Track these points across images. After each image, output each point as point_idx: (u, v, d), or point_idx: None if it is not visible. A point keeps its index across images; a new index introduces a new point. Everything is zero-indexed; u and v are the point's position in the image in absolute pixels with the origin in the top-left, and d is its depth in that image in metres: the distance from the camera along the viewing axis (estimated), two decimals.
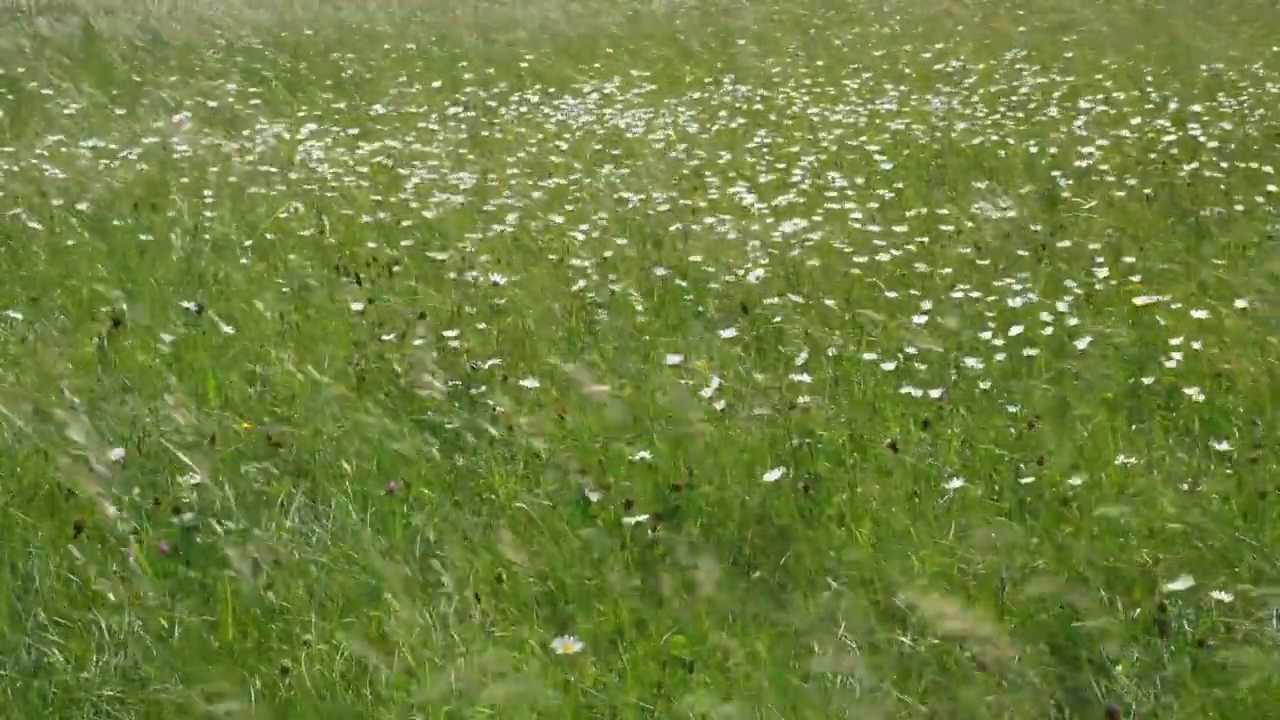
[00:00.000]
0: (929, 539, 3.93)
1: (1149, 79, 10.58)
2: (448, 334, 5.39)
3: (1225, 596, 3.54)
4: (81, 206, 7.44)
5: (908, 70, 11.45)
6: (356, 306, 5.74)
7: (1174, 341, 5.00)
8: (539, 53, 12.90)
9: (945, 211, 7.00)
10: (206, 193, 7.67)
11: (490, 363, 5.18)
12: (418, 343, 5.29)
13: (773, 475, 4.10)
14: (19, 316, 5.87)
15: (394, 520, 4.16)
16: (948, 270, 6.08)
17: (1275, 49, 11.69)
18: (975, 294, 5.71)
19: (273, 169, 8.24)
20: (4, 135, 9.61)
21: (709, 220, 6.82)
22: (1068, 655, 3.47)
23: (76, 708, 3.46)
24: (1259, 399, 4.69)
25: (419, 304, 5.86)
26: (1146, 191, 7.32)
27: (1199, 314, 5.23)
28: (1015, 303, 5.55)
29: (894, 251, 6.26)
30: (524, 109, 10.35)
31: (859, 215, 6.85)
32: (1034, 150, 8.40)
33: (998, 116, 9.42)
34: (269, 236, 6.98)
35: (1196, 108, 9.18)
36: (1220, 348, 5.01)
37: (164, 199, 7.62)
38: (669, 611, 3.70)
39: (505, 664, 3.45)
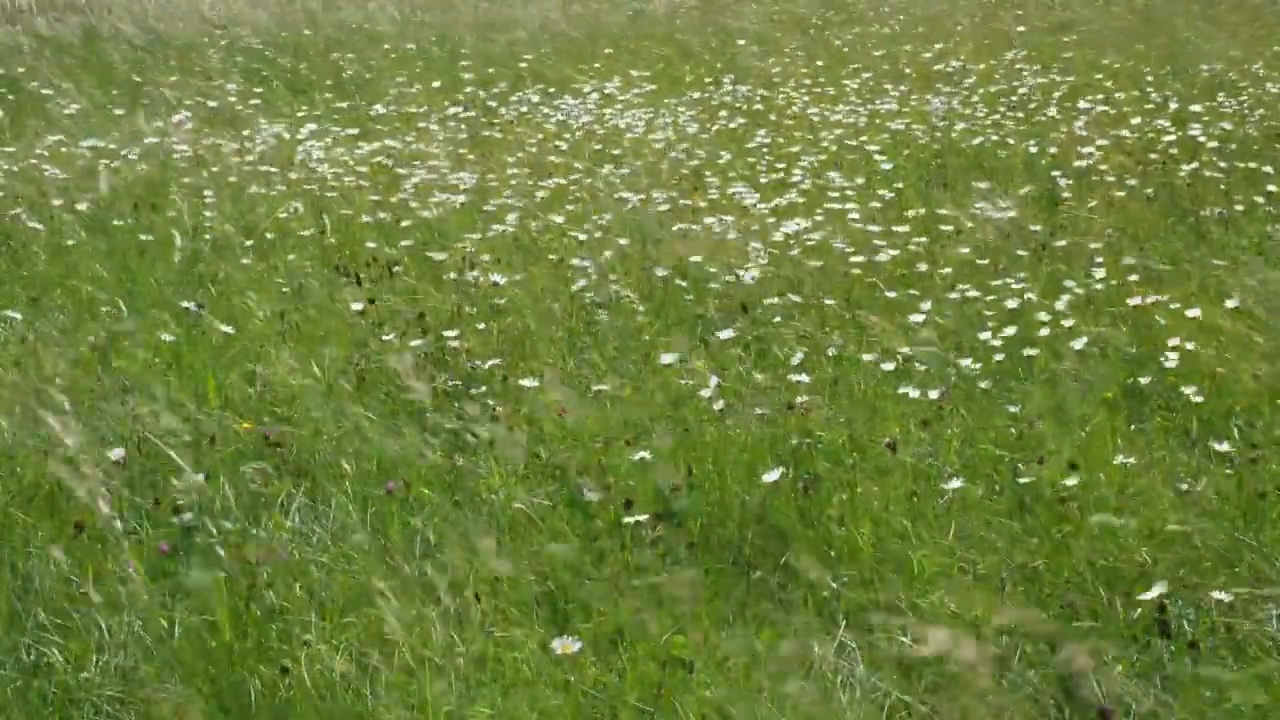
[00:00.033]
0: (929, 539, 3.93)
1: (1149, 79, 10.58)
2: (448, 334, 5.39)
3: (1225, 596, 3.54)
4: (81, 206, 7.44)
5: (908, 70, 11.45)
6: (356, 306, 5.74)
7: (1172, 342, 5.00)
8: (539, 53, 12.90)
9: (945, 211, 7.00)
10: (207, 193, 7.67)
11: (490, 363, 5.18)
12: (414, 343, 5.30)
13: (772, 476, 4.10)
14: (18, 316, 5.87)
15: (393, 520, 4.16)
16: (948, 270, 6.08)
17: (1275, 49, 11.68)
18: (974, 294, 5.71)
19: (273, 169, 8.24)
20: (4, 135, 9.61)
21: (709, 220, 6.82)
22: (1068, 655, 3.47)
23: (76, 708, 3.46)
24: (1258, 399, 4.70)
25: (419, 304, 5.86)
26: (1147, 191, 7.32)
27: (1196, 314, 5.23)
28: (1014, 303, 5.56)
29: (892, 251, 6.26)
30: (524, 109, 10.35)
31: (859, 215, 6.85)
32: (1034, 150, 8.40)
33: (998, 116, 9.42)
34: (269, 236, 6.99)
35: (1196, 108, 9.18)
36: (1215, 348, 5.01)
37: (164, 199, 7.63)
38: (669, 611, 3.71)
39: (504, 664, 3.46)
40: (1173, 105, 9.37)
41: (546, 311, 5.79)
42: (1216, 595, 3.54)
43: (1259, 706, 3.19)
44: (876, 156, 8.30)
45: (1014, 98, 10.12)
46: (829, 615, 3.70)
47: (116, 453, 4.34)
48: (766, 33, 14.06)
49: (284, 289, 6.20)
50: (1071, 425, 4.59)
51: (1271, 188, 7.27)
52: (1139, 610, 3.55)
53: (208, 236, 7.03)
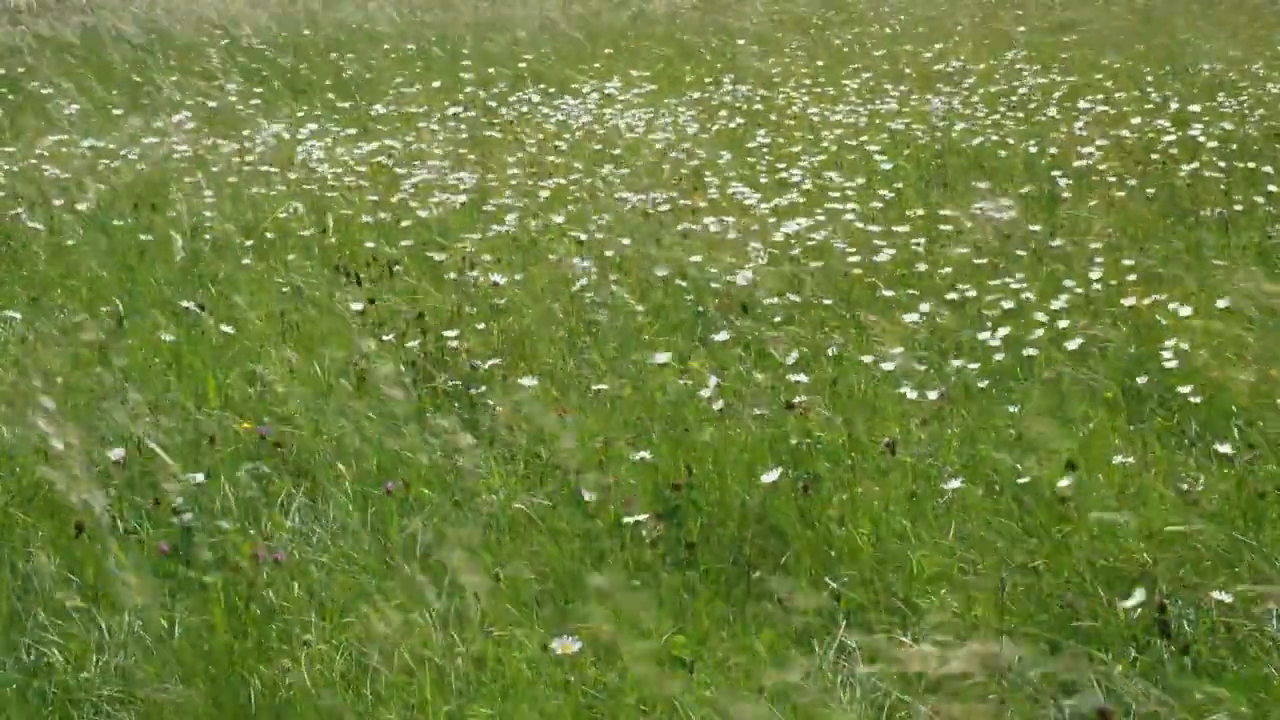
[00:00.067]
0: (928, 539, 3.93)
1: (1149, 79, 10.58)
2: (448, 334, 5.39)
3: (1225, 597, 3.54)
4: (81, 206, 7.45)
5: (908, 70, 11.45)
6: (356, 306, 5.75)
7: (1171, 343, 5.00)
8: (539, 53, 12.90)
9: (945, 212, 7.00)
10: (207, 193, 7.67)
11: (490, 362, 5.18)
12: (411, 344, 5.30)
13: (770, 476, 4.10)
14: (17, 315, 5.87)
15: (393, 520, 4.16)
16: (948, 270, 6.08)
17: (1275, 49, 11.68)
18: (974, 294, 5.70)
19: (273, 169, 8.24)
20: (4, 135, 9.61)
21: (709, 220, 6.82)
22: (1067, 655, 3.47)
23: (76, 708, 3.46)
24: (1256, 400, 4.69)
25: (419, 304, 5.86)
26: (1149, 191, 7.32)
27: (1194, 316, 5.22)
28: (1013, 304, 5.56)
29: (892, 251, 6.25)
30: (524, 109, 10.35)
31: (859, 215, 6.85)
32: (1034, 150, 8.40)
33: (998, 116, 9.42)
34: (269, 236, 6.99)
35: (1196, 108, 9.18)
36: (1211, 349, 5.01)
37: (164, 199, 7.63)
38: (669, 611, 3.71)
39: (504, 664, 3.45)
40: (1173, 105, 9.37)
41: (546, 311, 5.79)
42: (1216, 595, 3.54)
43: (1259, 706, 3.19)
44: (876, 156, 8.30)
45: (1014, 98, 10.12)
46: (829, 615, 3.70)
47: (116, 453, 4.34)
48: (767, 33, 14.06)
49: (284, 289, 6.20)
50: (1071, 425, 4.59)
51: (1271, 188, 7.27)
52: (1139, 610, 3.55)
53: (208, 236, 7.03)
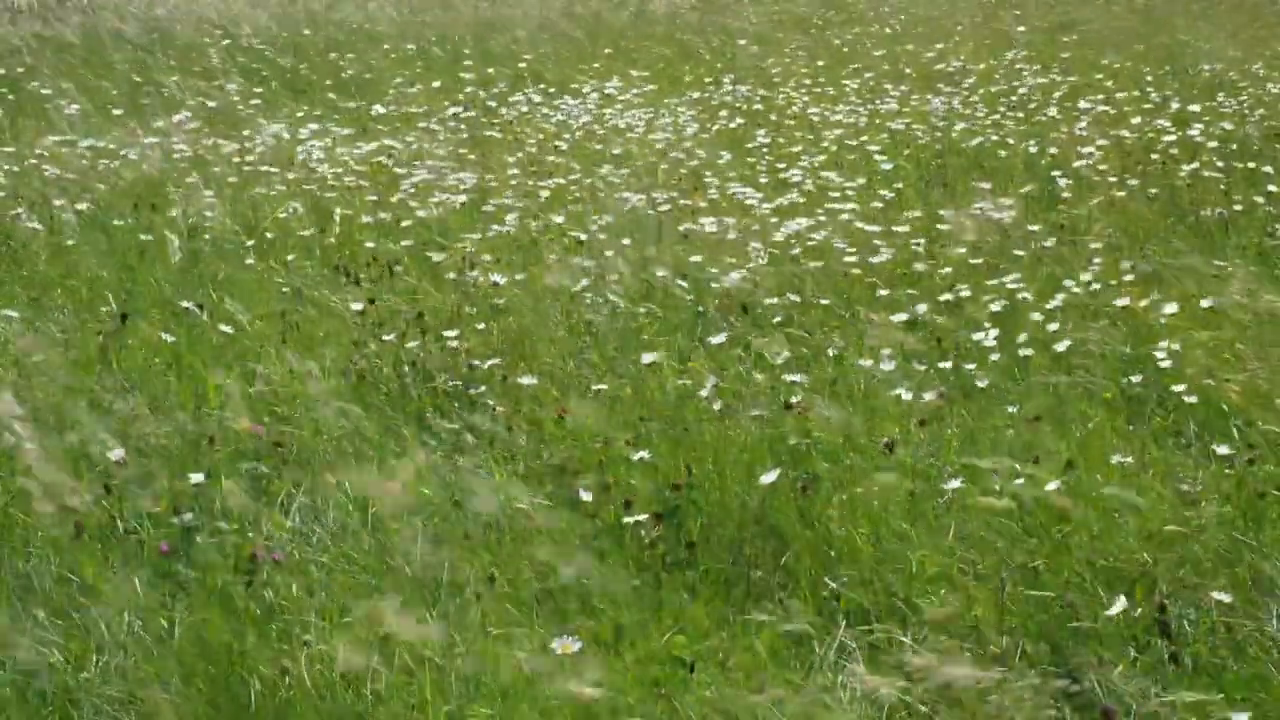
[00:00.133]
0: (928, 539, 3.93)
1: (1149, 79, 10.58)
2: (448, 334, 5.39)
3: (1225, 597, 3.54)
4: (81, 206, 7.45)
5: (908, 70, 11.45)
6: (356, 306, 5.75)
7: (1173, 345, 4.99)
8: (539, 53, 12.90)
9: (945, 211, 7.00)
10: (207, 193, 7.67)
11: (490, 362, 5.18)
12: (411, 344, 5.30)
13: (769, 477, 4.09)
14: (15, 314, 5.87)
15: (393, 520, 4.16)
16: (947, 269, 6.08)
17: (1275, 49, 11.68)
18: (973, 294, 5.70)
19: (273, 169, 8.24)
20: (4, 135, 9.61)
21: (709, 220, 6.82)
22: (1068, 655, 3.47)
23: (76, 708, 3.46)
24: (1255, 400, 4.69)
25: (419, 304, 5.86)
26: (1152, 191, 7.32)
27: (1191, 317, 5.22)
28: (1012, 304, 5.56)
29: (891, 252, 6.25)
30: (524, 109, 10.35)
31: (860, 215, 6.85)
32: (1034, 150, 8.40)
33: (998, 116, 9.42)
34: (269, 236, 6.99)
35: (1196, 108, 9.18)
36: (1207, 350, 5.00)
37: (164, 199, 7.63)
38: (669, 611, 3.71)
39: (504, 664, 3.45)
40: (1173, 105, 9.37)
41: (546, 311, 5.79)
42: (1216, 595, 3.54)
43: (1259, 706, 3.19)
44: (877, 156, 8.29)
45: (1014, 98, 10.12)
46: (829, 615, 3.70)
47: (116, 453, 4.33)
48: (767, 33, 14.06)
49: (284, 289, 6.20)
50: (1070, 425, 4.59)
51: (1271, 188, 7.27)
52: (1139, 610, 3.55)
53: (207, 236, 7.03)
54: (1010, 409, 4.71)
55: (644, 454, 4.35)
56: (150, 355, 5.49)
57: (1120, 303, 5.49)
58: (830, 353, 5.23)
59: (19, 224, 7.23)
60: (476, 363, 5.18)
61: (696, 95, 10.81)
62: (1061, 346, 5.10)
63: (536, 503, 4.22)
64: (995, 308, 5.52)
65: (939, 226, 6.75)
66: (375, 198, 7.57)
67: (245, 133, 9.52)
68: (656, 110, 10.10)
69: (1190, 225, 6.91)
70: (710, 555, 4.00)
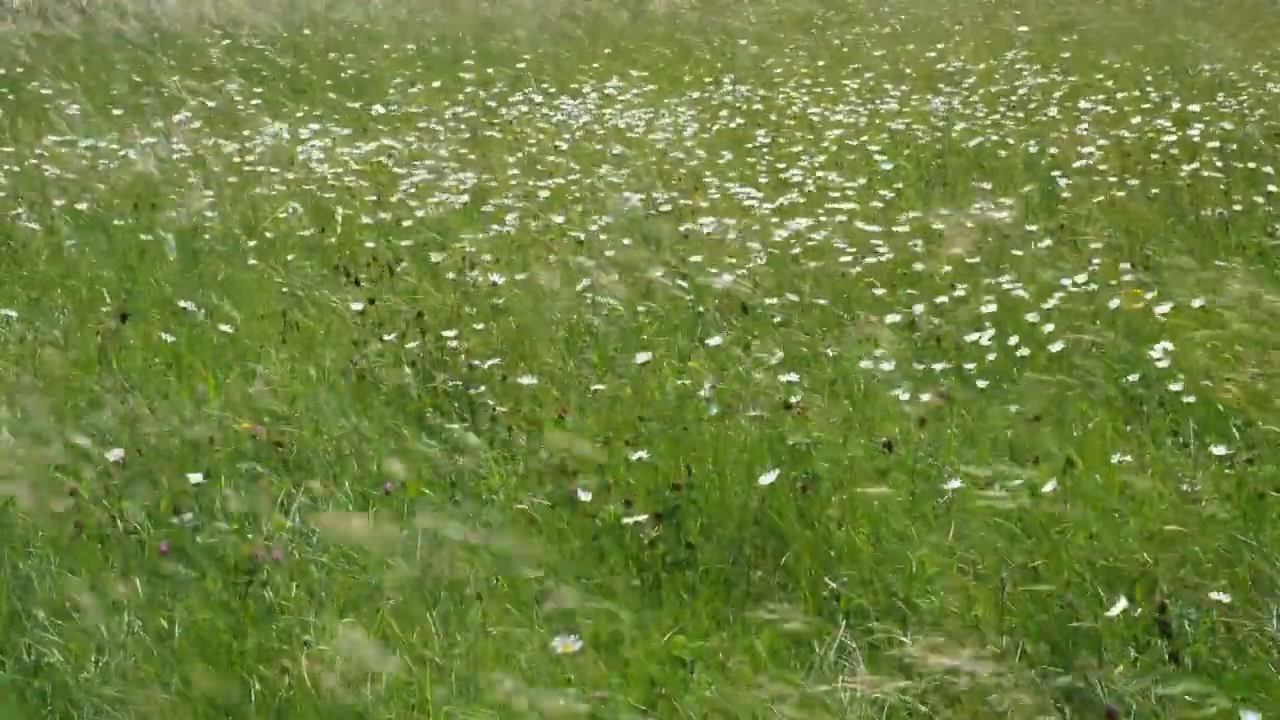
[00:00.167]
0: (928, 539, 3.93)
1: (1149, 79, 10.58)
2: (447, 334, 5.40)
3: (1225, 597, 3.54)
4: (81, 206, 7.45)
5: (908, 70, 11.45)
6: (356, 306, 5.75)
7: (1170, 345, 4.99)
8: (538, 52, 12.90)
9: (945, 211, 7.00)
10: (207, 193, 7.67)
11: (490, 362, 5.18)
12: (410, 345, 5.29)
13: (768, 478, 4.09)
14: (14, 314, 5.87)
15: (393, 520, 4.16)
16: (947, 269, 6.08)
17: (1275, 49, 11.68)
18: (973, 294, 5.70)
19: (273, 169, 8.24)
20: (4, 135, 9.61)
21: (709, 220, 6.82)
22: (1068, 655, 3.47)
23: (76, 708, 3.46)
24: (1254, 400, 4.69)
25: (419, 304, 5.86)
26: (1152, 191, 7.31)
27: (1190, 316, 5.22)
28: (1012, 304, 5.56)
29: (891, 252, 6.25)
30: (524, 109, 10.35)
31: (859, 215, 6.85)
32: (1034, 150, 8.40)
33: (998, 116, 9.42)
34: (269, 236, 6.99)
35: (1196, 108, 9.18)
36: (1205, 350, 5.00)
37: (164, 199, 7.63)
38: (669, 611, 3.71)
39: (504, 664, 3.45)
40: (1173, 105, 9.37)
41: (546, 312, 5.79)
42: (1216, 595, 3.54)
43: (1259, 706, 3.19)
44: (877, 157, 8.29)
45: (1014, 98, 10.12)
46: (829, 615, 3.70)
47: (116, 453, 4.33)
48: (767, 32, 14.06)
49: (284, 289, 6.20)
50: (1069, 425, 4.59)
51: (1271, 188, 7.26)
52: (1139, 610, 3.55)
53: (207, 236, 7.03)
54: (1010, 408, 4.71)
55: (643, 454, 4.35)
56: (150, 355, 5.49)
57: (1119, 302, 5.48)
58: (830, 353, 5.23)
59: (19, 224, 7.23)
60: (476, 363, 5.18)
61: (696, 95, 10.81)
62: (1059, 346, 5.10)
63: (536, 502, 4.22)
64: (993, 308, 5.52)
65: (939, 226, 6.75)
66: (375, 198, 7.57)
67: (245, 133, 9.52)
68: (656, 110, 10.10)
69: (1190, 225, 6.91)
70: (710, 555, 4.00)
